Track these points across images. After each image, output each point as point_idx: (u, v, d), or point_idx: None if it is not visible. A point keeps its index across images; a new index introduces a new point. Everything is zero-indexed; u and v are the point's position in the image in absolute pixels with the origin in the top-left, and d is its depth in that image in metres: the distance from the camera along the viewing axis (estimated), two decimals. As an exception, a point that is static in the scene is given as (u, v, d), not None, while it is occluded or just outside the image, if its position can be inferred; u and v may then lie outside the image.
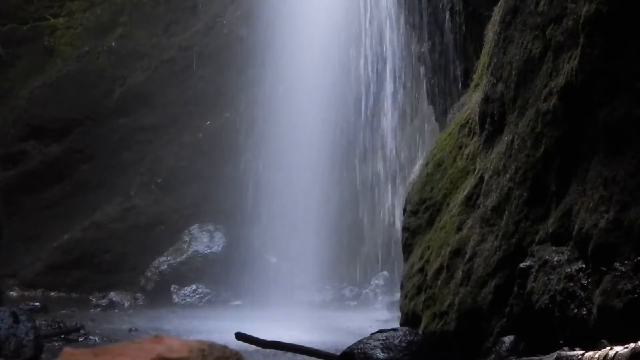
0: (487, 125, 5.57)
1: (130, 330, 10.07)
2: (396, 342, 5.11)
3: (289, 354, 6.69)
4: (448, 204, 6.07)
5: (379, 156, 15.04)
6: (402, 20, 12.01)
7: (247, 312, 12.50)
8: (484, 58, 6.27)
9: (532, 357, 4.30)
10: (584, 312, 4.14)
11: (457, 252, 5.55)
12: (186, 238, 14.99)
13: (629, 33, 4.10)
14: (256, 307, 12.89)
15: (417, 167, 12.38)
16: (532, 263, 4.63)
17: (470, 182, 5.74)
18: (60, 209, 15.18)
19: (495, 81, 5.46)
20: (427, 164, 6.77)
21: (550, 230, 4.56)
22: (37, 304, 12.15)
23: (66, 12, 15.72)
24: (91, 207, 15.19)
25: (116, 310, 13.29)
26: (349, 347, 5.28)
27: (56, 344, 8.46)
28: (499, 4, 5.84)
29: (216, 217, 15.08)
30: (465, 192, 5.74)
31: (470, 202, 5.62)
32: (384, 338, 5.15)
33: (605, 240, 4.05)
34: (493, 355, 4.69)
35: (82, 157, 15.42)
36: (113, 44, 15.64)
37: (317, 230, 14.17)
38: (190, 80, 15.72)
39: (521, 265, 4.70)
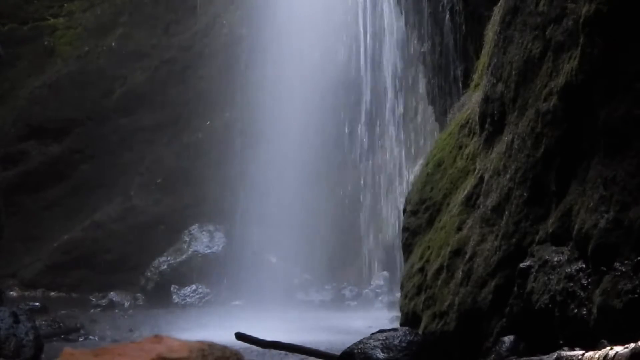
0: (487, 125, 5.56)
1: (130, 330, 10.08)
2: (396, 342, 5.10)
3: (289, 354, 6.68)
4: (448, 204, 6.06)
5: (379, 156, 15.04)
6: (402, 21, 12.01)
7: (247, 312, 12.49)
8: (484, 58, 6.27)
9: (532, 357, 4.30)
10: (584, 312, 4.14)
11: (457, 252, 5.55)
12: (186, 238, 14.98)
13: (629, 33, 4.10)
14: (256, 307, 12.88)
15: (417, 167, 12.38)
16: (532, 263, 4.62)
17: (470, 182, 5.74)
18: (60, 209, 15.17)
19: (495, 81, 5.46)
20: (427, 164, 6.76)
21: (550, 230, 4.55)
22: (37, 304, 12.16)
23: (66, 12, 15.72)
24: (91, 207, 15.19)
25: (116, 310, 13.29)
26: (349, 347, 5.27)
27: (56, 344, 8.46)
28: (499, 4, 5.84)
29: (216, 217, 15.07)
30: (465, 192, 5.74)
31: (470, 202, 5.62)
32: (384, 338, 5.14)
33: (605, 240, 4.05)
34: (493, 355, 4.69)
35: (82, 157, 15.42)
36: (113, 44, 15.64)
37: (317, 230, 14.16)
38: (190, 80, 15.71)
39: (521, 265, 4.70)
